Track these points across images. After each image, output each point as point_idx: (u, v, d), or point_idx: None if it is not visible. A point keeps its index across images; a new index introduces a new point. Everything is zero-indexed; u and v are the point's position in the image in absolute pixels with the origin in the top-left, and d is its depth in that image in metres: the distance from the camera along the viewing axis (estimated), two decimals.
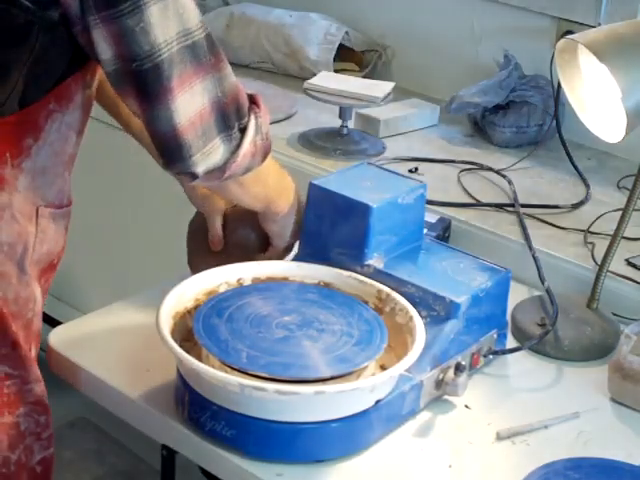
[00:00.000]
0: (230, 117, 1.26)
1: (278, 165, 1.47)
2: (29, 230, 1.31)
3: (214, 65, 1.24)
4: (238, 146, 1.27)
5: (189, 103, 1.22)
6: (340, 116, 2.15)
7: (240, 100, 1.27)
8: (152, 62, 1.19)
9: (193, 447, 1.33)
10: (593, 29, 1.54)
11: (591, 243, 1.80)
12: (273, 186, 1.47)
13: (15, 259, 1.30)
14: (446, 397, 1.43)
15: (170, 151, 1.24)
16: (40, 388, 1.36)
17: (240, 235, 1.57)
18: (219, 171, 1.28)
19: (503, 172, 2.05)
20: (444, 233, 1.82)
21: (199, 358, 1.30)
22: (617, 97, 1.43)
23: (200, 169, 1.25)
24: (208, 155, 1.25)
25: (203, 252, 1.59)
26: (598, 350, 1.59)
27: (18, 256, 1.30)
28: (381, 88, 2.19)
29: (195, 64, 1.22)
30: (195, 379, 1.30)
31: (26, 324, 1.34)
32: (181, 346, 1.29)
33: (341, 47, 2.52)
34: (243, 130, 1.28)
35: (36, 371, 1.36)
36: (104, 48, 1.19)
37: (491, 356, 1.50)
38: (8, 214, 1.28)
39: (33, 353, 1.36)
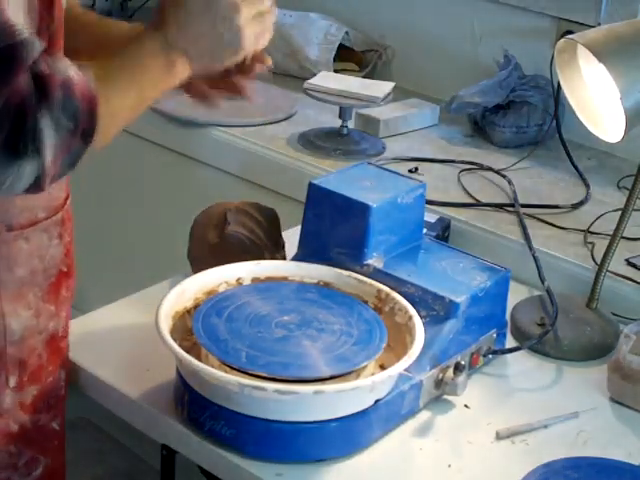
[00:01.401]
0: (19, 145, 1.07)
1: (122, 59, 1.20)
2: None
3: None
4: (42, 161, 1.09)
5: None
6: (340, 116, 2.15)
7: (24, 125, 1.06)
8: None
9: (193, 447, 1.33)
10: (593, 29, 1.54)
11: (591, 243, 1.80)
12: (142, 80, 1.20)
13: None
14: (445, 397, 1.43)
15: None
16: (4, 421, 1.30)
17: (239, 231, 1.57)
18: (36, 187, 1.11)
19: (503, 172, 2.05)
20: (443, 233, 1.82)
21: (198, 358, 1.30)
22: (616, 97, 1.43)
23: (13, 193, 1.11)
24: (12, 186, 1.09)
25: (202, 246, 1.59)
26: (598, 350, 1.59)
27: None
28: (381, 88, 2.19)
29: None
30: (195, 379, 1.30)
31: None
32: (181, 346, 1.29)
33: (341, 47, 2.52)
34: (39, 144, 1.08)
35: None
36: None
37: (490, 356, 1.51)
38: None
39: (3, 381, 1.28)
